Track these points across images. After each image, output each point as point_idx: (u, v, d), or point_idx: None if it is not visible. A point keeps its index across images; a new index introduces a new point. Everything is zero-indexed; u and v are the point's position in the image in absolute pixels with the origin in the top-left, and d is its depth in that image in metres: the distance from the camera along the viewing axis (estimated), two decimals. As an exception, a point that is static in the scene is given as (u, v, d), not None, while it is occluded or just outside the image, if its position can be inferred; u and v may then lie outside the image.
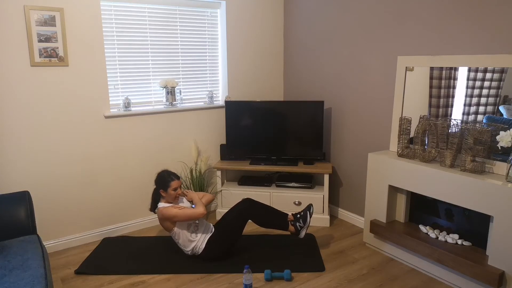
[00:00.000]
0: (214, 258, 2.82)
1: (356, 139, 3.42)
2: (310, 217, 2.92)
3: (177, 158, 3.60)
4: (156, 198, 2.89)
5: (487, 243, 2.40)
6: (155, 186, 2.90)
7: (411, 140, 2.81)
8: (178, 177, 2.88)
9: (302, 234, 2.90)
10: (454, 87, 2.59)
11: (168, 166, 3.53)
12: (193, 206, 2.90)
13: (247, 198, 3.01)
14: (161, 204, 2.82)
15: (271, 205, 3.54)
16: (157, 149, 3.48)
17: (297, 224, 2.90)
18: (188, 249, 2.82)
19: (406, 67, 2.85)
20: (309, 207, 2.96)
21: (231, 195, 3.58)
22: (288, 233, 2.95)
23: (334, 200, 3.74)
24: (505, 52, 2.32)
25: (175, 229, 2.78)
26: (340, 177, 3.65)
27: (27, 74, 2.78)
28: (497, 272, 2.20)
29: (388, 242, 2.90)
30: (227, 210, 3.03)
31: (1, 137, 2.77)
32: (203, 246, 2.80)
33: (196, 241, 2.81)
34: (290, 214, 3.00)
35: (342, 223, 3.56)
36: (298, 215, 2.94)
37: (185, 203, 2.96)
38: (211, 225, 2.95)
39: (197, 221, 2.85)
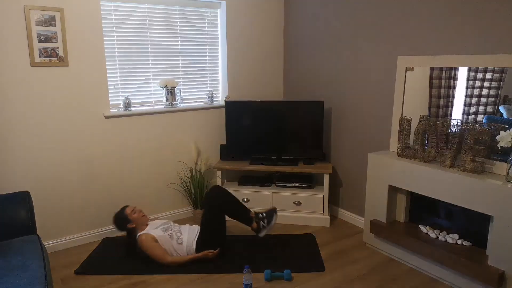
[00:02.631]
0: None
1: (356, 139, 3.42)
2: (275, 220, 2.90)
3: (177, 158, 3.60)
4: (131, 236, 2.86)
5: (487, 243, 2.40)
6: (123, 232, 2.90)
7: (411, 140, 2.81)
8: (126, 205, 2.96)
9: (263, 233, 2.89)
10: (454, 87, 2.59)
11: (168, 166, 3.55)
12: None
13: (214, 185, 3.01)
14: (140, 232, 2.82)
15: (271, 206, 3.54)
16: (157, 149, 3.48)
17: (261, 222, 2.89)
18: (183, 253, 2.82)
19: (406, 67, 2.85)
20: (275, 209, 2.95)
21: (231, 195, 3.58)
22: (249, 228, 2.94)
23: (334, 200, 3.74)
24: (505, 52, 2.32)
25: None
26: (340, 177, 3.65)
27: (27, 74, 2.78)
28: (497, 272, 2.20)
29: (388, 242, 2.90)
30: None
31: (1, 137, 2.77)
32: (194, 247, 2.81)
33: (185, 246, 2.81)
34: (252, 211, 2.99)
35: (342, 223, 3.56)
36: (261, 215, 2.93)
37: (186, 231, 2.90)
38: (197, 226, 2.94)
39: (179, 234, 2.84)
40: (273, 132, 3.64)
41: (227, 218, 2.89)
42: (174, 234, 2.83)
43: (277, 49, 4.06)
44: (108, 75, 3.17)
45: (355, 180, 3.49)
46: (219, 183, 3.64)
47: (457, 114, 2.59)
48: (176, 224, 2.96)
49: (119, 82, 3.27)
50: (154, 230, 2.83)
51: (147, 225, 2.90)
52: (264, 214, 2.93)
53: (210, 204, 2.87)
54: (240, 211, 2.93)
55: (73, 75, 2.97)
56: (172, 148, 3.56)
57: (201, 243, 2.80)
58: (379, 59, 3.10)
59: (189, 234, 2.86)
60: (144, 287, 2.56)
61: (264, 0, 3.86)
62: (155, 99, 3.48)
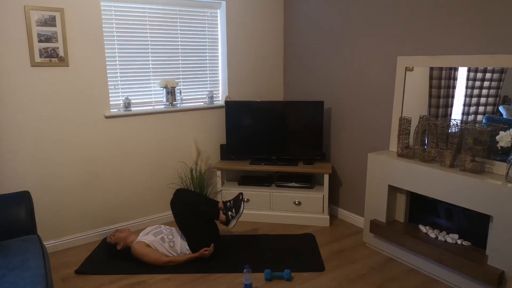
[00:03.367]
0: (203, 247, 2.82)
1: (356, 139, 3.42)
2: (243, 207, 2.89)
3: (177, 158, 3.61)
4: (124, 251, 2.85)
5: (487, 243, 2.40)
6: (115, 252, 2.87)
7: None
8: (104, 238, 3.11)
9: (232, 224, 2.85)
10: (454, 87, 2.59)
11: (168, 166, 3.56)
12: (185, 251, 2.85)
13: (176, 189, 2.98)
14: (132, 244, 2.82)
15: (271, 205, 3.55)
16: (157, 149, 3.48)
17: (229, 213, 2.85)
18: (176, 255, 2.82)
19: (406, 67, 2.85)
20: (241, 194, 2.91)
21: (231, 195, 3.58)
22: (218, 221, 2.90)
23: (334, 200, 3.75)
24: (505, 52, 2.32)
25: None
26: (340, 177, 3.65)
27: (27, 74, 2.79)
28: (496, 272, 2.20)
29: (388, 242, 2.90)
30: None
31: (1, 137, 2.77)
32: (188, 247, 2.81)
33: (178, 248, 2.81)
34: (220, 202, 2.96)
35: (342, 223, 3.56)
36: (229, 204, 2.89)
37: (179, 233, 2.90)
38: None
39: (170, 236, 2.84)
40: (273, 132, 3.64)
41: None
42: (165, 237, 2.83)
43: (277, 49, 4.06)
44: (108, 75, 3.18)
45: (355, 180, 3.49)
46: (219, 183, 3.64)
47: (456, 114, 2.59)
48: (167, 227, 2.96)
49: (119, 82, 3.27)
50: (145, 236, 2.84)
51: (137, 235, 2.90)
52: (232, 203, 2.90)
53: (177, 209, 2.83)
54: (205, 207, 2.87)
55: (73, 75, 2.97)
56: (172, 148, 3.57)
57: (193, 246, 2.81)
58: (379, 59, 3.11)
59: (183, 236, 2.86)
60: (144, 287, 2.56)
61: (264, 0, 3.86)
62: (155, 99, 3.49)
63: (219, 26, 3.72)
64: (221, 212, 2.88)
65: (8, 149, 2.81)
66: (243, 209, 2.90)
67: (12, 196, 2.32)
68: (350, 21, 3.30)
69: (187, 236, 2.83)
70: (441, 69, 2.65)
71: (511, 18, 2.28)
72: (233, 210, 2.86)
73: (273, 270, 2.67)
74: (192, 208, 2.83)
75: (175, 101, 3.49)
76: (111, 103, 3.23)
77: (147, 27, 3.33)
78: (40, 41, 2.78)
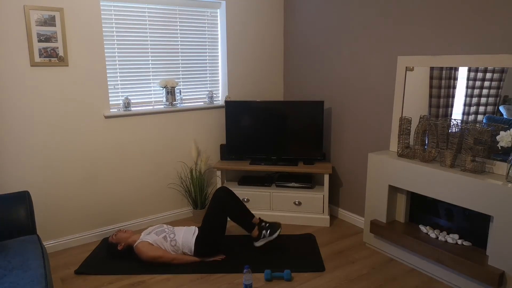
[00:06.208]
0: (207, 253, 2.83)
1: (356, 139, 3.42)
2: (277, 235, 2.83)
3: (177, 158, 3.60)
4: (124, 251, 2.85)
5: (487, 243, 2.40)
6: (115, 252, 2.86)
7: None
8: (106, 238, 3.18)
9: (260, 243, 2.83)
10: (454, 87, 2.59)
11: (168, 166, 3.56)
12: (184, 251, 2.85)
13: (222, 186, 2.99)
14: (135, 243, 2.82)
15: (271, 206, 3.55)
16: (157, 149, 3.48)
17: (263, 231, 2.83)
18: (179, 253, 2.83)
19: (406, 67, 2.85)
20: (280, 225, 2.87)
21: (231, 195, 3.58)
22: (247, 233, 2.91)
23: (334, 200, 3.74)
24: (505, 52, 2.32)
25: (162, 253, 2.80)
26: (340, 177, 3.65)
27: (27, 74, 2.78)
28: (497, 272, 2.20)
29: (388, 242, 2.90)
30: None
31: (1, 137, 2.77)
32: (193, 246, 2.80)
33: (180, 246, 2.81)
34: (257, 217, 2.98)
35: (342, 223, 3.56)
36: (264, 224, 2.87)
37: (182, 232, 2.90)
38: (194, 227, 2.95)
39: (172, 235, 2.84)
40: (273, 132, 3.64)
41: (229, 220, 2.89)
42: (167, 236, 2.83)
43: (277, 49, 4.06)
44: (108, 75, 3.17)
45: (355, 180, 3.49)
46: (219, 183, 3.64)
47: (457, 114, 2.59)
48: (169, 226, 2.96)
49: (119, 82, 3.27)
50: (147, 236, 2.84)
51: (139, 235, 2.89)
52: (267, 224, 2.88)
53: (214, 205, 2.85)
54: (243, 215, 2.90)
55: (73, 75, 2.97)
56: (172, 148, 3.56)
57: (200, 241, 2.80)
58: (379, 59, 3.10)
59: (186, 234, 2.85)
60: (144, 287, 2.56)
61: (264, 0, 3.86)
62: (155, 99, 3.48)
63: (219, 25, 3.72)
64: (256, 227, 2.85)
65: (8, 149, 2.81)
66: (276, 237, 2.84)
67: (11, 196, 2.31)
68: (351, 20, 3.30)
69: (205, 228, 2.81)
70: (441, 69, 2.65)
71: (511, 18, 2.28)
72: (268, 231, 2.83)
73: (273, 270, 2.66)
74: (231, 209, 2.84)
75: (175, 101, 3.49)
76: (110, 103, 3.22)
77: (147, 26, 3.33)
78: (39, 41, 2.77)
